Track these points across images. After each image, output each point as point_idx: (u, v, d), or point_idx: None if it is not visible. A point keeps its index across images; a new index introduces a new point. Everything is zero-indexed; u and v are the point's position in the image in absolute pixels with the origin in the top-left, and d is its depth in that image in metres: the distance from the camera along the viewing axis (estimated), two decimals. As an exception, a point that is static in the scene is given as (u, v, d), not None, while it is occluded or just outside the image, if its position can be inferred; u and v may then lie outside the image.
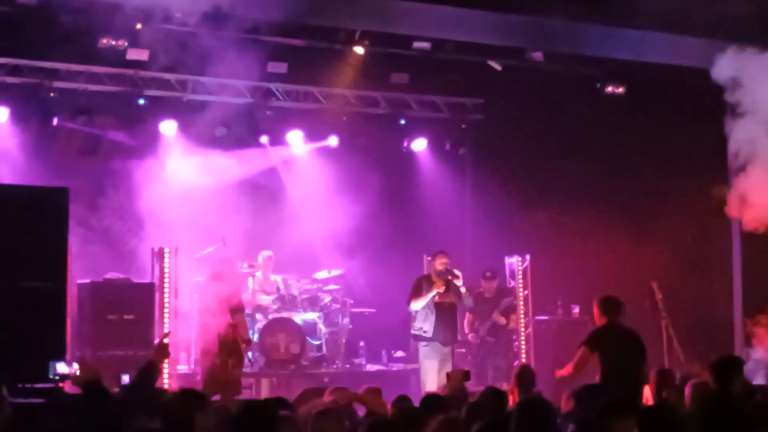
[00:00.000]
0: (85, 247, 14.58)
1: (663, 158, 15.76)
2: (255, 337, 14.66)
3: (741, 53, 12.49)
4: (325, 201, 17.49)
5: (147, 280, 14.31)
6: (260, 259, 15.75)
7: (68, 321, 11.65)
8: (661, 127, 15.62)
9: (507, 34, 14.40)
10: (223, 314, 12.47)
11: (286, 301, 15.58)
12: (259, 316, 15.11)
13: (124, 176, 16.15)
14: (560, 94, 15.85)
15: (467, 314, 14.83)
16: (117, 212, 15.96)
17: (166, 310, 14.20)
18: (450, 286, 13.65)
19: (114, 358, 12.85)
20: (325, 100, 16.92)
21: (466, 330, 14.91)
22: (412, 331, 13.68)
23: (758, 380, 12.19)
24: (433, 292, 13.45)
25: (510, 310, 15.13)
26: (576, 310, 16.08)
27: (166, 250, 14.52)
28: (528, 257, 16.26)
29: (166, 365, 13.59)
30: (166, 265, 14.41)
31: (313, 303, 15.93)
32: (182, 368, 14.60)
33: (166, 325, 14.09)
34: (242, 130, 16.73)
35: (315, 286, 16.27)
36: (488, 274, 15.08)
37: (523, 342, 15.89)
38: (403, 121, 17.62)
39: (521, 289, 16.15)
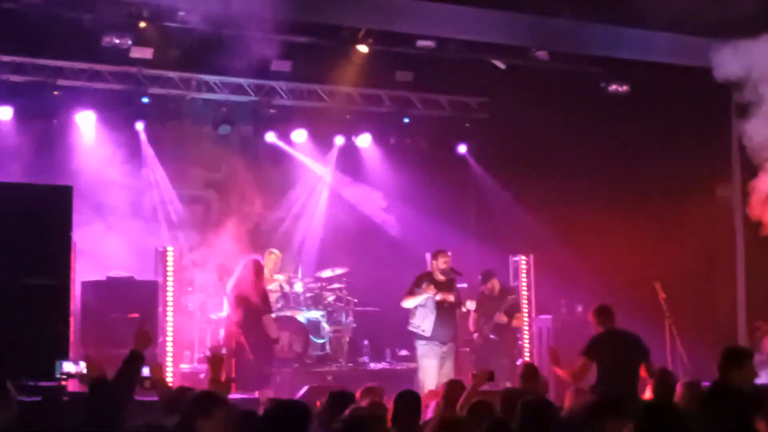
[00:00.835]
0: (89, 244, 14.58)
1: (667, 157, 15.73)
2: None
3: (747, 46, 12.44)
4: (330, 199, 17.52)
5: (151, 278, 14.30)
6: (265, 257, 15.73)
7: (72, 319, 11.64)
8: (665, 126, 15.61)
9: (511, 32, 14.39)
10: (252, 314, 12.63)
11: (290, 300, 15.57)
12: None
13: (126, 174, 16.19)
14: (564, 92, 15.84)
15: (472, 312, 14.81)
16: (121, 210, 15.96)
17: (169, 309, 14.21)
18: (452, 287, 13.62)
19: (117, 356, 12.79)
20: (329, 98, 16.91)
21: (471, 329, 14.88)
22: (410, 328, 13.63)
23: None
24: (425, 295, 13.37)
25: (514, 309, 15.09)
26: (579, 308, 16.06)
27: (170, 248, 14.53)
28: (531, 256, 16.24)
29: (169, 364, 13.63)
30: (169, 263, 14.41)
31: (316, 301, 15.92)
32: (185, 367, 14.60)
33: (169, 323, 14.11)
34: (246, 128, 16.74)
35: (319, 284, 16.26)
36: (479, 278, 14.92)
37: (526, 341, 15.88)
38: (406, 120, 17.62)
39: (524, 288, 16.14)
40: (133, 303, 13.43)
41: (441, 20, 14.01)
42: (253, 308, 12.74)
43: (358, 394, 8.27)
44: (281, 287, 15.63)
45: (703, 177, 15.72)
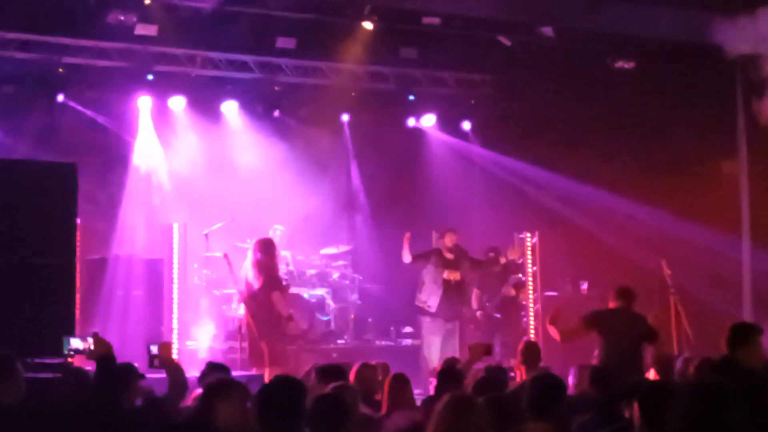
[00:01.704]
0: (94, 222, 14.60)
1: (673, 134, 15.72)
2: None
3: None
4: (334, 176, 17.52)
5: (156, 256, 14.32)
6: (270, 234, 15.75)
7: (77, 297, 11.66)
8: (670, 102, 15.58)
9: (517, 9, 14.35)
10: (263, 292, 12.68)
11: (295, 277, 15.59)
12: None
13: (132, 151, 16.20)
14: (570, 69, 15.81)
15: (475, 289, 14.83)
16: (125, 188, 15.97)
17: (174, 286, 14.23)
18: (459, 265, 13.64)
19: (123, 333, 12.86)
20: (333, 75, 16.87)
21: (474, 305, 14.90)
22: (416, 303, 13.69)
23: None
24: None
25: (519, 286, 15.11)
26: (584, 286, 16.08)
27: (175, 225, 14.53)
28: (537, 233, 16.24)
29: (174, 340, 13.66)
30: (174, 240, 14.42)
31: (321, 279, 15.94)
32: (191, 344, 14.63)
33: (175, 300, 14.14)
34: (251, 105, 16.72)
35: (323, 261, 16.28)
36: (491, 254, 14.93)
37: (531, 318, 15.90)
38: (412, 97, 17.58)
39: (530, 265, 16.15)
40: (139, 280, 13.45)
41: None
42: (263, 286, 12.78)
43: (354, 370, 8.30)
44: (287, 264, 15.65)
45: (709, 153, 15.72)
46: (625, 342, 10.17)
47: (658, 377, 9.35)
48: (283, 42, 15.49)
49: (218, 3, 13.76)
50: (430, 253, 13.68)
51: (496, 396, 6.30)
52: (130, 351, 11.13)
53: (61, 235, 10.68)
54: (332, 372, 7.82)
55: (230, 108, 16.65)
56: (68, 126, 15.52)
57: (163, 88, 15.89)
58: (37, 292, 10.26)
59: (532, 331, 15.77)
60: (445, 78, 17.70)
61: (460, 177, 17.78)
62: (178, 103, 16.10)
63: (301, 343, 15.04)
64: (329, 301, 15.81)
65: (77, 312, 11.59)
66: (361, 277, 16.59)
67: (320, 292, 15.71)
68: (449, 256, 13.57)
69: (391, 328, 16.34)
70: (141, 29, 14.36)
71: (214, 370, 7.98)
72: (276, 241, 15.33)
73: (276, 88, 16.59)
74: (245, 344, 13.02)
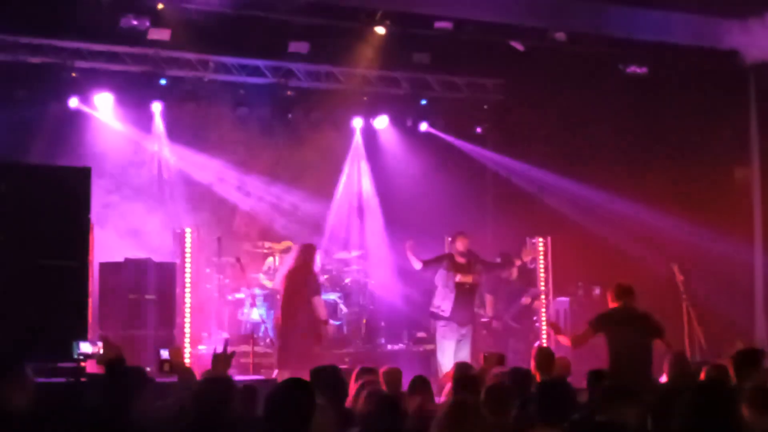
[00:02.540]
0: (107, 226, 14.62)
1: (685, 139, 15.69)
2: (276, 317, 14.70)
3: None
4: (347, 180, 17.52)
5: (169, 259, 14.34)
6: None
7: (90, 300, 11.68)
8: (683, 108, 15.55)
9: (529, 14, 14.34)
10: (302, 295, 12.84)
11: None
12: (279, 296, 15.12)
13: (144, 155, 16.24)
14: (582, 74, 15.78)
15: (488, 296, 14.81)
16: (138, 192, 16.00)
17: (187, 290, 14.24)
18: (471, 269, 13.63)
19: (135, 337, 12.89)
20: (346, 80, 16.88)
21: (489, 312, 14.89)
22: (431, 309, 13.67)
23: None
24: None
25: (537, 296, 15.12)
26: (596, 291, 16.04)
27: (188, 230, 14.55)
28: (549, 238, 16.22)
29: (187, 345, 13.67)
30: (187, 244, 14.44)
31: (333, 283, 15.94)
32: (203, 348, 14.64)
33: (187, 305, 14.16)
34: (263, 109, 16.74)
35: (336, 266, 16.28)
36: (498, 260, 14.89)
37: (543, 323, 15.88)
38: (424, 102, 17.58)
39: (542, 270, 16.13)
40: (151, 284, 13.47)
41: (458, 1, 13.97)
42: (301, 290, 12.89)
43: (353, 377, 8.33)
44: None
45: (722, 159, 15.68)
46: (631, 340, 10.15)
47: (668, 378, 9.32)
48: (296, 47, 15.52)
49: (231, 8, 13.78)
50: (442, 258, 13.67)
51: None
52: (142, 355, 11.17)
53: (74, 239, 10.70)
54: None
55: (243, 112, 16.64)
56: (81, 130, 15.55)
57: (175, 92, 15.91)
58: (49, 295, 10.28)
59: (544, 337, 15.75)
60: (458, 83, 17.71)
61: (472, 182, 17.77)
62: (190, 107, 16.11)
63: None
64: (341, 306, 15.81)
65: (90, 316, 11.60)
66: (373, 282, 16.58)
67: (332, 296, 15.71)
68: (461, 260, 13.55)
69: (404, 333, 16.32)
70: (154, 34, 14.39)
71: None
72: (288, 245, 15.39)
73: (288, 92, 16.60)
74: (258, 348, 13.10)
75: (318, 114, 17.03)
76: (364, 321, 16.14)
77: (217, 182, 16.22)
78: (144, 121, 16.07)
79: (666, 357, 9.72)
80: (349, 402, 7.52)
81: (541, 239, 16.23)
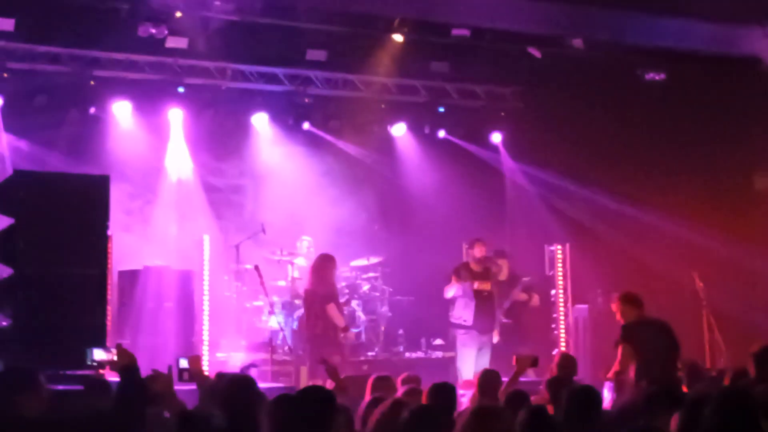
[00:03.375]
0: (126, 234, 14.66)
1: (704, 147, 15.62)
2: (294, 325, 14.71)
3: None
4: (364, 188, 17.52)
5: (187, 267, 14.36)
6: (299, 245, 15.78)
7: (109, 308, 11.70)
8: (702, 115, 15.48)
9: (547, 21, 14.31)
10: (319, 304, 12.96)
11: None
12: (298, 302, 15.13)
13: (163, 163, 16.28)
14: (600, 81, 15.74)
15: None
16: (156, 200, 16.04)
17: (205, 298, 14.27)
18: (489, 276, 13.60)
19: (154, 345, 12.91)
20: (364, 88, 16.88)
21: None
22: (452, 320, 13.63)
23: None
24: (455, 287, 13.36)
25: (530, 288, 14.90)
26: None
27: (206, 237, 14.58)
28: (567, 245, 16.18)
29: (205, 352, 13.69)
30: (205, 252, 14.47)
31: (351, 291, 15.92)
32: (221, 355, 14.66)
33: (205, 312, 14.18)
34: (281, 118, 16.76)
35: (354, 273, 16.27)
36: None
37: (562, 331, 15.84)
38: (442, 109, 17.57)
39: (560, 278, 16.09)
40: (170, 292, 13.50)
41: (476, 9, 13.96)
42: (318, 299, 12.98)
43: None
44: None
45: (741, 167, 15.60)
46: (657, 350, 10.05)
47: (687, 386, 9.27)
48: (314, 54, 15.53)
49: (249, 15, 13.81)
50: (459, 270, 13.62)
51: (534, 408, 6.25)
52: (161, 363, 11.16)
53: (93, 247, 10.71)
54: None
55: (260, 120, 16.68)
56: (100, 138, 15.60)
57: (193, 100, 15.95)
58: (68, 303, 10.30)
59: (563, 344, 15.70)
60: (475, 90, 17.69)
61: (490, 189, 17.73)
62: (208, 115, 16.14)
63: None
64: (359, 313, 15.80)
65: (109, 323, 11.63)
66: (391, 289, 16.56)
67: (351, 304, 15.69)
68: (477, 267, 13.52)
69: (422, 341, 16.30)
70: (172, 42, 14.41)
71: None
72: (303, 251, 15.42)
73: (306, 100, 16.62)
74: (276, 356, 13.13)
75: (336, 121, 17.05)
76: (382, 328, 16.14)
77: (235, 189, 16.24)
78: (162, 129, 16.10)
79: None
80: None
81: (559, 246, 16.18)
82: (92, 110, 15.41)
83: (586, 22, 14.30)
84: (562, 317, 15.90)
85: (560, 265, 16.14)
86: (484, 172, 17.83)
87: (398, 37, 14.92)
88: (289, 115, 16.81)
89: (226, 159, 16.59)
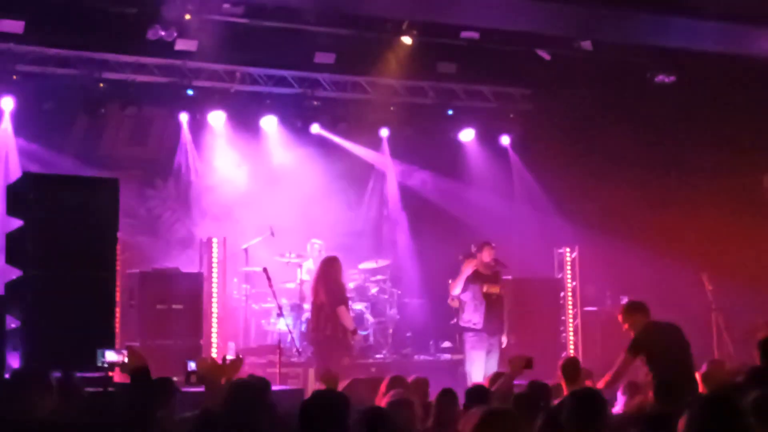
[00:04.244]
0: (135, 237, 14.67)
1: (714, 148, 15.59)
2: (303, 327, 14.71)
3: None
4: (373, 191, 17.52)
5: (195, 270, 14.37)
6: (308, 248, 15.77)
7: (117, 310, 11.71)
8: (712, 116, 15.45)
9: (556, 22, 14.28)
10: (327, 306, 12.96)
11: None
12: (306, 306, 15.12)
13: (172, 167, 16.30)
14: (609, 83, 15.73)
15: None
16: (166, 202, 16.05)
17: (214, 300, 14.28)
18: (497, 279, 13.56)
19: (162, 347, 12.91)
20: (372, 90, 16.88)
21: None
22: (461, 323, 13.57)
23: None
24: (467, 270, 13.23)
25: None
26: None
27: (215, 240, 14.60)
28: (576, 248, 16.17)
29: (214, 355, 13.69)
30: (214, 254, 14.48)
31: (360, 293, 15.91)
32: (230, 358, 14.62)
33: (214, 314, 14.19)
34: (290, 120, 16.76)
35: (362, 276, 16.26)
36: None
37: (571, 333, 15.82)
38: (450, 112, 17.56)
39: (569, 281, 16.07)
40: (179, 294, 13.51)
41: (485, 11, 13.93)
42: (328, 301, 12.98)
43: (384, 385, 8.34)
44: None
45: (752, 169, 15.57)
46: (677, 353, 9.94)
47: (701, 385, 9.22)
48: (322, 57, 15.54)
49: (258, 18, 13.82)
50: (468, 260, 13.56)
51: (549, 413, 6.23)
52: (169, 365, 11.17)
53: (102, 250, 10.72)
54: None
55: (269, 123, 16.69)
56: (109, 141, 15.61)
57: (202, 103, 15.96)
58: (77, 305, 10.30)
59: (572, 347, 15.69)
60: (484, 92, 17.68)
61: (498, 191, 17.71)
62: (217, 118, 16.17)
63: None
64: (368, 316, 15.78)
65: (117, 326, 11.63)
66: (399, 292, 16.55)
67: (359, 306, 15.68)
68: (486, 270, 13.47)
69: (430, 343, 16.28)
70: (181, 44, 14.42)
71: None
72: (315, 255, 15.41)
73: (315, 102, 16.62)
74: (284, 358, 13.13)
75: (344, 124, 17.04)
76: (391, 331, 16.11)
77: (244, 192, 16.23)
78: (171, 132, 16.11)
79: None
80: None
81: (568, 249, 16.17)
82: (102, 112, 15.39)
83: (594, 23, 14.26)
84: (570, 320, 15.88)
85: (569, 267, 16.12)
86: (493, 174, 17.80)
87: (407, 40, 14.91)
88: (298, 117, 16.80)
89: (234, 161, 16.57)
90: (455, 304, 13.48)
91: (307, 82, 16.47)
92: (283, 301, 14.82)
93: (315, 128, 16.91)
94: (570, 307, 16.00)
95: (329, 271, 13.17)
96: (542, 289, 15.95)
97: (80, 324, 10.16)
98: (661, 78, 15.66)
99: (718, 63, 14.66)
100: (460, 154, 17.81)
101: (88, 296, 10.45)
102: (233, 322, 15.24)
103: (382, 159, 17.76)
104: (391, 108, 17.29)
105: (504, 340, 13.56)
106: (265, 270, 13.33)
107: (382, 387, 8.33)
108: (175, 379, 7.70)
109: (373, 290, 16.24)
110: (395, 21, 14.67)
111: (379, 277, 16.39)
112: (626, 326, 10.19)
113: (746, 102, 14.90)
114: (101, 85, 15.12)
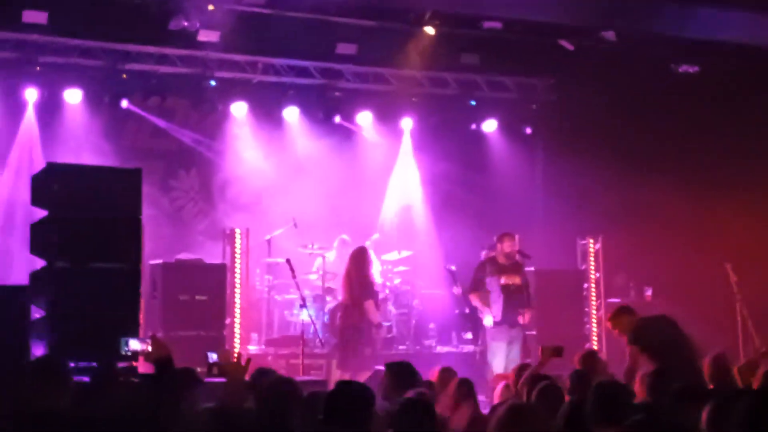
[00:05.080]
0: (158, 228, 14.70)
1: (737, 138, 15.50)
2: (325, 319, 14.71)
3: None
4: (395, 181, 17.51)
5: (218, 261, 14.39)
6: (336, 242, 15.77)
7: (141, 301, 11.74)
8: (735, 107, 15.36)
9: (579, 13, 14.23)
10: (355, 299, 13.02)
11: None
12: (328, 298, 15.13)
13: (195, 158, 16.33)
14: (632, 73, 15.64)
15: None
16: (188, 193, 16.08)
17: (237, 291, 14.30)
18: (518, 270, 13.50)
19: (185, 338, 12.94)
20: (394, 81, 16.85)
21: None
22: (480, 314, 13.55)
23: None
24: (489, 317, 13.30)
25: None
26: (648, 292, 15.91)
27: (237, 231, 14.62)
28: (600, 239, 16.11)
29: (236, 346, 13.71)
30: (237, 245, 14.50)
31: (382, 284, 15.89)
32: (253, 348, 14.69)
33: (237, 305, 14.21)
34: (312, 111, 16.75)
35: (385, 267, 16.24)
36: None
37: (594, 325, 15.77)
38: (473, 102, 17.52)
39: (593, 272, 16.02)
40: (202, 285, 13.53)
41: (507, 1, 13.90)
42: (354, 294, 13.02)
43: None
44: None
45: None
46: (672, 344, 9.88)
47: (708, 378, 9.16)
48: (344, 48, 15.54)
49: (280, 9, 13.82)
50: (484, 266, 13.52)
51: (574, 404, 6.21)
52: (191, 356, 11.19)
53: (125, 240, 10.71)
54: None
55: (291, 114, 16.69)
56: (132, 132, 15.66)
57: (225, 94, 15.98)
58: (101, 296, 10.31)
59: (595, 339, 15.64)
60: (507, 83, 17.63)
61: (521, 182, 17.67)
62: (240, 108, 16.18)
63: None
64: (390, 307, 15.76)
65: (141, 317, 11.65)
66: (422, 283, 16.53)
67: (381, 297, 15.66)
68: (505, 261, 13.38)
69: (453, 334, 16.26)
70: (203, 35, 14.45)
71: (262, 375, 7.94)
72: (341, 249, 15.40)
73: (337, 93, 16.62)
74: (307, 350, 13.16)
75: (367, 115, 17.02)
76: (413, 322, 16.09)
77: (267, 183, 16.24)
78: (193, 122, 16.14)
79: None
80: None
81: (591, 240, 16.12)
82: (125, 103, 15.42)
83: (618, 13, 14.21)
84: (594, 311, 15.83)
85: (593, 258, 16.07)
86: (515, 165, 17.75)
87: (430, 30, 14.88)
88: (320, 108, 16.80)
89: (257, 152, 16.57)
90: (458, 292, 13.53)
91: (330, 73, 16.45)
92: (306, 293, 14.82)
93: (337, 119, 16.92)
94: (593, 298, 15.94)
95: (359, 262, 13.17)
96: (565, 280, 15.89)
97: (104, 315, 10.18)
98: (684, 68, 15.59)
99: (744, 53, 14.58)
100: (482, 145, 17.77)
101: (112, 287, 10.45)
102: (256, 313, 15.27)
103: (404, 150, 17.73)
104: (414, 99, 17.27)
105: (526, 317, 13.37)
106: (288, 261, 13.33)
107: (451, 387, 8.37)
108: (198, 370, 7.68)
109: (396, 281, 16.23)
110: (417, 11, 14.65)
111: (401, 267, 16.37)
112: (616, 331, 10.19)
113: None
114: (124, 76, 15.16)
